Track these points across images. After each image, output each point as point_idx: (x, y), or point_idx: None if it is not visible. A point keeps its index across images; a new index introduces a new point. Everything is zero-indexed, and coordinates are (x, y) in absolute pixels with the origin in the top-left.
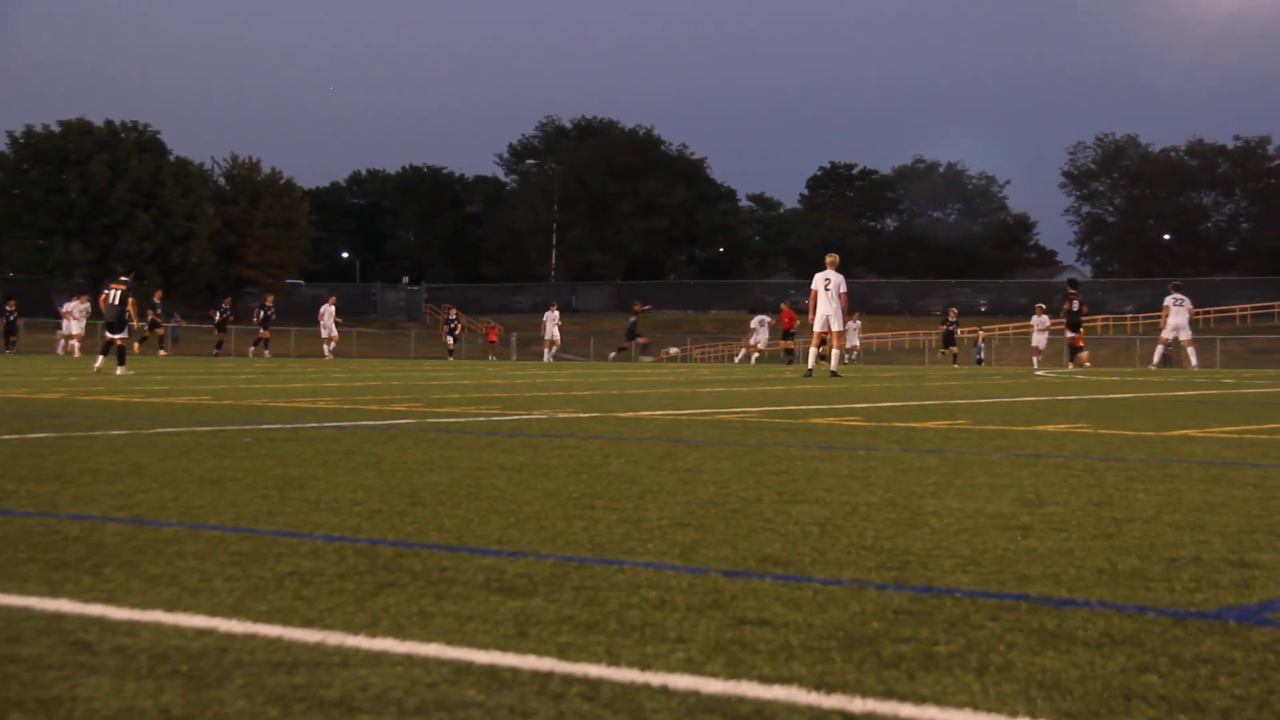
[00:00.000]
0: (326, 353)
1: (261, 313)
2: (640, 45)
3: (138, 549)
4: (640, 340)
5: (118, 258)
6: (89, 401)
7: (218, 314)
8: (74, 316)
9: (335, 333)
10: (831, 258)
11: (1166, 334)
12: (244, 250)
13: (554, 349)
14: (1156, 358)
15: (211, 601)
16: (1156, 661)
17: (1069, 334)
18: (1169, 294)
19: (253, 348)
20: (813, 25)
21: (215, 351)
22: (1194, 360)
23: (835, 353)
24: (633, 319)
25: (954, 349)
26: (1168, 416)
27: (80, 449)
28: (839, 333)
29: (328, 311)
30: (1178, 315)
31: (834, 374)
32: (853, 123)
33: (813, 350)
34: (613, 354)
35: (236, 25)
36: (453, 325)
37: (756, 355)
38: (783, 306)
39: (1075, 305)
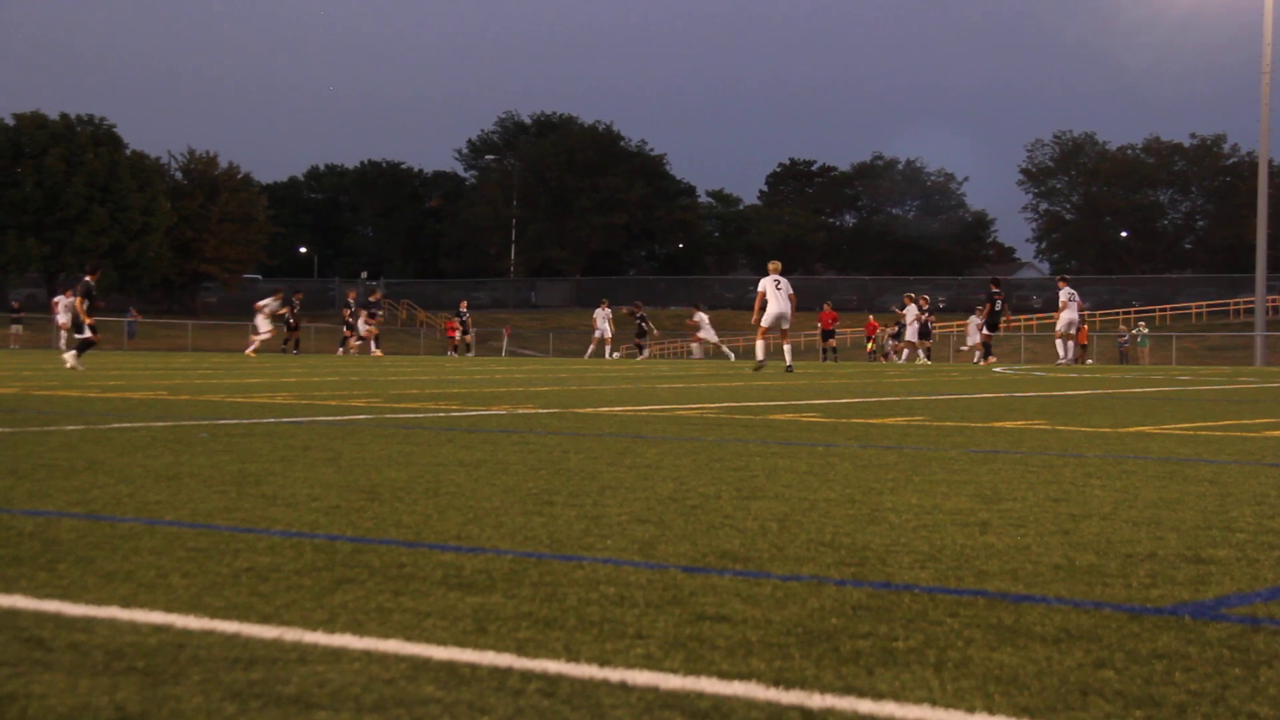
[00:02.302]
0: (373, 349)
1: (291, 311)
2: (600, 41)
3: (93, 545)
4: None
5: (73, 252)
6: (44, 396)
7: (288, 311)
8: (60, 309)
9: (374, 328)
10: (774, 264)
11: (1061, 328)
12: (201, 245)
13: (607, 346)
14: (1067, 353)
15: (168, 597)
16: (1113, 657)
17: (986, 331)
18: (1061, 289)
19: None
20: (772, 21)
21: (295, 351)
22: (1066, 354)
23: (787, 347)
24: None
25: (928, 342)
26: (1124, 413)
27: (35, 444)
28: (785, 331)
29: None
30: (1074, 311)
31: (789, 369)
32: (812, 120)
33: (760, 343)
34: (617, 353)
35: (194, 19)
36: (464, 319)
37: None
38: (825, 306)
39: (998, 305)
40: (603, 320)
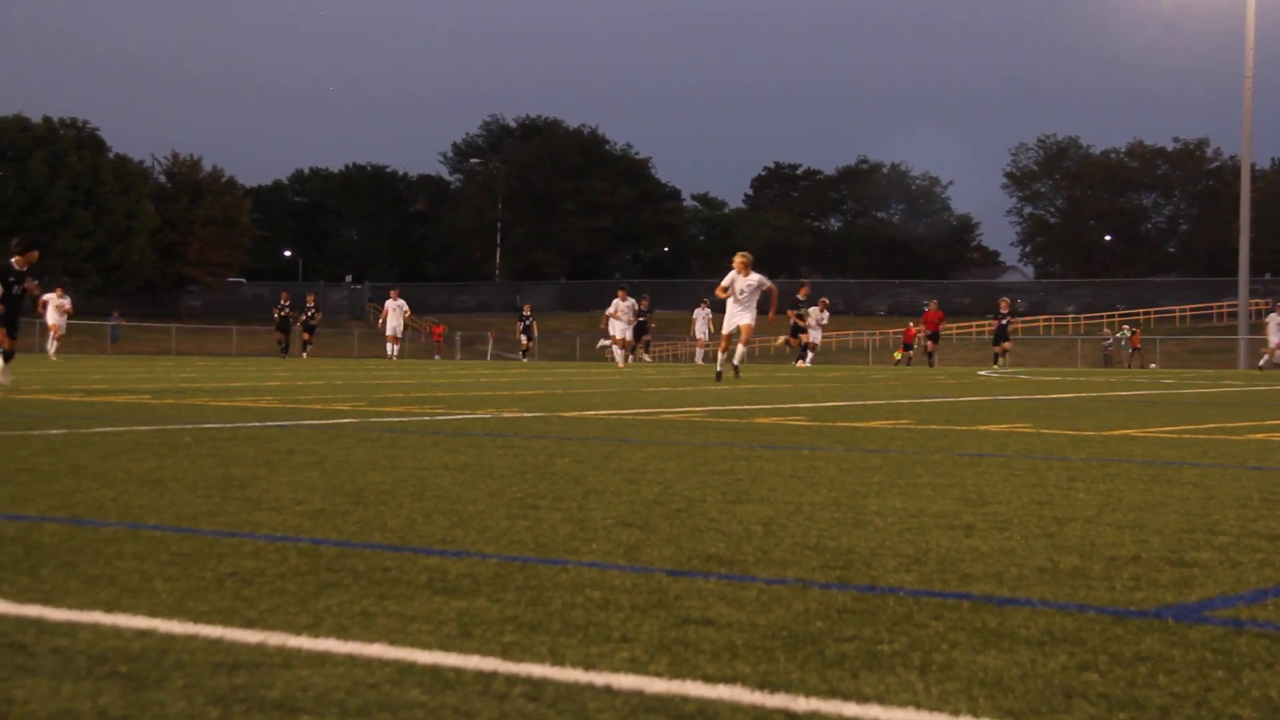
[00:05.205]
0: (391, 353)
1: (306, 314)
2: (585, 44)
3: (76, 549)
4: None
5: (56, 255)
6: (25, 400)
7: (276, 312)
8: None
9: (399, 332)
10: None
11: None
12: (184, 248)
13: (704, 351)
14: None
15: (151, 602)
16: (1097, 660)
17: None
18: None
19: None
20: (757, 24)
21: (284, 355)
22: None
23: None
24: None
25: (1008, 344)
26: (1109, 416)
27: (16, 448)
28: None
29: (392, 308)
30: None
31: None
32: (797, 123)
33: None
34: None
35: (176, 21)
36: (527, 322)
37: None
38: (928, 306)
39: None
40: (702, 322)
